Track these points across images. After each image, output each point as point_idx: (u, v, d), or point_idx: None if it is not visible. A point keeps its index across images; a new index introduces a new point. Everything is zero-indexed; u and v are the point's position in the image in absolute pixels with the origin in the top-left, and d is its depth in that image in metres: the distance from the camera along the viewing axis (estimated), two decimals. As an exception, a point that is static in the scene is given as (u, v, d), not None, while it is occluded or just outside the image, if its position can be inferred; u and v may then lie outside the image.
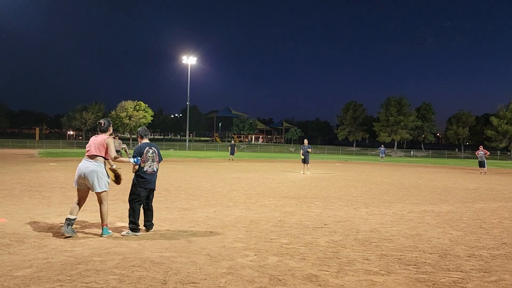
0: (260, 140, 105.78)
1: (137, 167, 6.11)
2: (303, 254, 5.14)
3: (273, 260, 4.83)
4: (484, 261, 5.03)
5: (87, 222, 6.90)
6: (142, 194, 6.11)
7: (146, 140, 6.37)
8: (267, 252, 5.17)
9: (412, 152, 70.25)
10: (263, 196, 10.93)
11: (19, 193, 10.38)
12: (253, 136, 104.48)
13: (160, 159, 6.44)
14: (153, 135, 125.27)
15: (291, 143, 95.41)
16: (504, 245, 5.94)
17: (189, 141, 72.45)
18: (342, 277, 4.25)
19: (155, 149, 6.33)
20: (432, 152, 70.80)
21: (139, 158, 6.12)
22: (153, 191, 6.37)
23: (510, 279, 4.31)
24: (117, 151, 24.51)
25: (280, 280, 4.09)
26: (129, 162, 6.17)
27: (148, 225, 6.27)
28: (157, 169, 6.36)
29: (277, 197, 10.91)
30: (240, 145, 76.28)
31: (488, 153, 25.83)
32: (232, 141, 35.72)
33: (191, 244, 5.51)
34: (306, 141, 20.91)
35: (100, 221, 5.98)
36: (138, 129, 6.54)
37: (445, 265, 4.81)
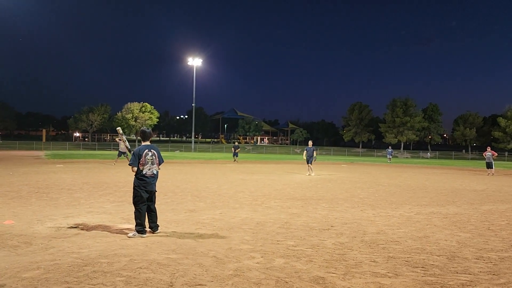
0: (266, 141, 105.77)
1: (135, 169, 6.11)
2: (310, 256, 5.13)
3: (280, 262, 4.82)
4: (493, 263, 4.98)
5: (93, 224, 6.93)
6: (144, 196, 6.12)
7: (147, 142, 6.35)
8: (274, 254, 5.16)
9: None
10: (269, 198, 10.92)
11: (27, 194, 10.45)
12: (259, 138, 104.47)
13: (161, 161, 6.40)
14: (159, 137, 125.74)
15: (296, 144, 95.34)
16: (513, 247, 5.88)
17: (195, 142, 72.62)
18: (349, 280, 4.22)
19: (155, 152, 6.27)
20: (439, 153, 70.38)
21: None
22: (155, 193, 6.36)
23: (520, 282, 4.26)
24: (123, 153, 24.65)
25: (286, 282, 4.07)
26: None
27: (153, 226, 6.27)
28: (157, 172, 6.35)
29: (283, 198, 10.89)
30: (246, 147, 76.30)
31: (496, 154, 25.57)
32: (236, 142, 35.71)
33: (197, 246, 5.51)
34: (310, 142, 20.71)
35: None
36: (141, 129, 6.51)
37: (453, 267, 4.77)
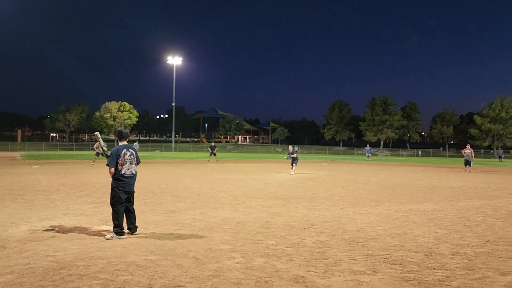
0: (247, 140, 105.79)
1: (113, 170, 6.00)
2: (290, 255, 5.14)
3: (260, 261, 4.81)
4: (468, 259, 5.09)
5: (69, 226, 6.78)
6: (122, 197, 6.02)
7: (124, 142, 6.27)
8: (254, 254, 5.15)
9: (419, 152, 70.75)
10: (250, 197, 10.90)
11: (0, 197, 10.16)
12: (240, 137, 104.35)
13: (138, 162, 6.33)
14: (139, 136, 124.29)
15: (278, 143, 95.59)
16: (487, 242, 6.03)
17: (175, 142, 71.99)
18: (328, 278, 4.25)
19: (133, 151, 6.20)
20: (417, 151, 71.66)
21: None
22: (133, 194, 6.28)
23: (494, 276, 4.37)
24: (100, 154, 24.29)
25: (267, 282, 4.07)
26: None
27: (132, 227, 6.18)
28: (136, 172, 6.27)
29: (264, 198, 10.90)
30: (227, 146, 76.15)
31: (472, 150, 26.20)
32: (213, 143, 35.59)
33: (177, 246, 5.45)
34: (290, 147, 20.77)
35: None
36: (117, 129, 6.43)
37: (430, 263, 4.85)
